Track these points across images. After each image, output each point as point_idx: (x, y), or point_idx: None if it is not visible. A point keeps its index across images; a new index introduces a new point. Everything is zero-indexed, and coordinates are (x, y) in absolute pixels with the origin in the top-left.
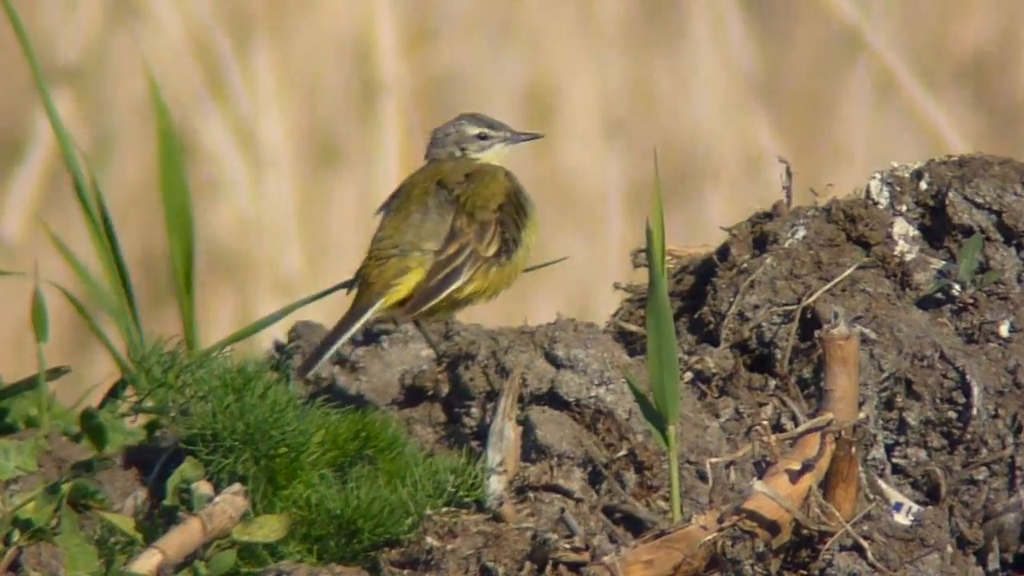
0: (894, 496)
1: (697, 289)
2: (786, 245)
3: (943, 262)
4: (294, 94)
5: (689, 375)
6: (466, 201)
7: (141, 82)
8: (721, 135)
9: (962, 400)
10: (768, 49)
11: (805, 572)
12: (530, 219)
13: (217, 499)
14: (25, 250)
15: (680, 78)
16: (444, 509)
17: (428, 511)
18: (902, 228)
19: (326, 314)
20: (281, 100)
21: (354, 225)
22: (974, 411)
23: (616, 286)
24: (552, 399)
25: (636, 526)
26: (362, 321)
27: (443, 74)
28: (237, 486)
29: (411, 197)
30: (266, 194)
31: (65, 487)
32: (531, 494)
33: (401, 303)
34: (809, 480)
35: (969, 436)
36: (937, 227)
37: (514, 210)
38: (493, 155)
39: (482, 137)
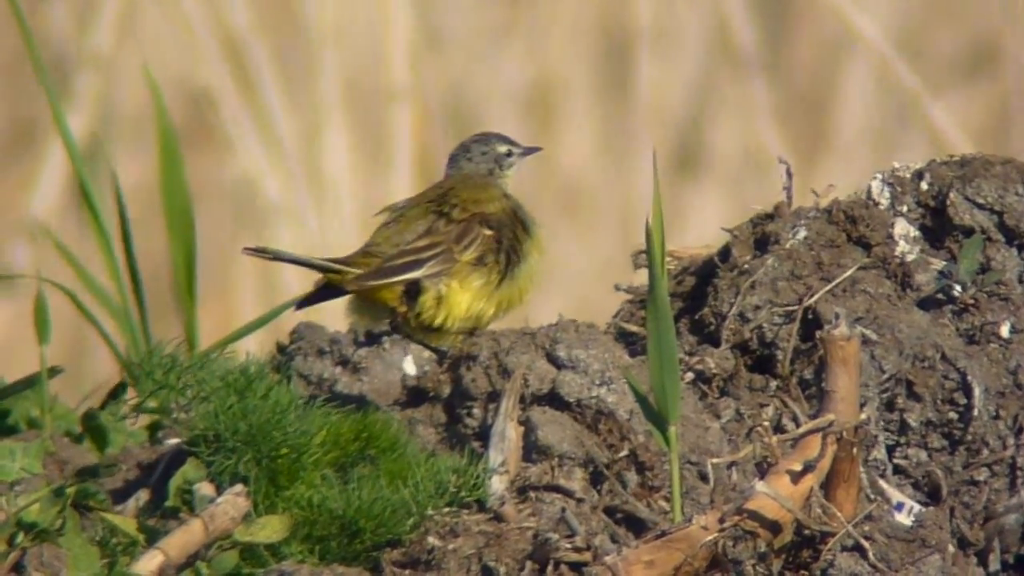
0: (895, 496)
1: (698, 290)
2: (787, 246)
3: (944, 263)
4: (297, 97)
5: (690, 376)
6: (449, 207)
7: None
8: (719, 136)
9: (963, 401)
10: (768, 47)
11: (806, 572)
12: (532, 237)
13: (219, 500)
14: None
15: (676, 79)
16: (446, 509)
17: (430, 511)
18: (903, 229)
19: (322, 315)
20: (285, 103)
21: (360, 226)
22: (975, 412)
23: (617, 287)
24: (553, 400)
25: (637, 526)
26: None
27: (445, 79)
28: (239, 487)
29: (412, 216)
30: (279, 195)
31: (70, 490)
32: (532, 494)
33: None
34: (810, 481)
35: (970, 437)
36: (938, 227)
37: (513, 225)
38: (515, 171)
39: (508, 154)
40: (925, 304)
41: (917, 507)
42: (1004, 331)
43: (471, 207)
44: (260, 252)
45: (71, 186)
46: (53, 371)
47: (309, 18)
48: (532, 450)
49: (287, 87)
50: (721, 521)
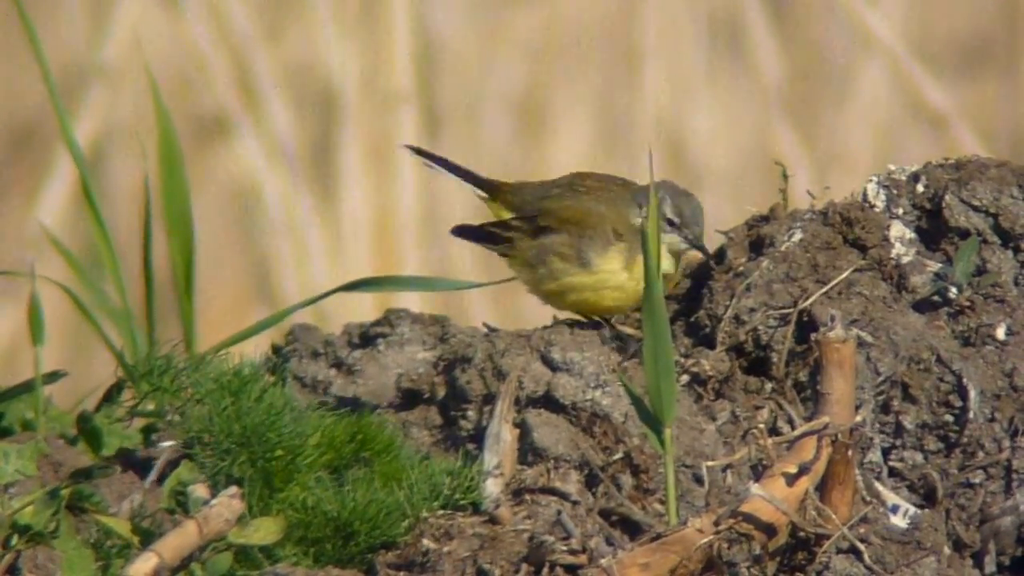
0: (891, 499)
1: (693, 292)
2: (782, 248)
3: (940, 265)
4: (286, 100)
5: (685, 378)
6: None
7: (141, 82)
8: (717, 138)
9: (958, 403)
10: (767, 50)
11: (801, 575)
12: (620, 262)
13: (213, 502)
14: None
15: (673, 80)
16: (440, 511)
17: (424, 513)
18: (899, 231)
19: (319, 318)
20: (273, 105)
21: (351, 233)
22: (970, 414)
23: None
24: (548, 402)
25: (632, 529)
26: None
27: (438, 80)
28: (233, 489)
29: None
30: (272, 199)
31: (64, 492)
32: (528, 496)
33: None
34: (806, 483)
35: (965, 439)
36: (934, 230)
37: (603, 239)
38: (664, 242)
39: (669, 223)
40: (921, 306)
41: (913, 509)
42: (1000, 333)
43: (551, 212)
44: (420, 153)
45: (78, 195)
46: (54, 375)
47: (294, 19)
48: (527, 452)
49: (275, 91)
50: (716, 524)
